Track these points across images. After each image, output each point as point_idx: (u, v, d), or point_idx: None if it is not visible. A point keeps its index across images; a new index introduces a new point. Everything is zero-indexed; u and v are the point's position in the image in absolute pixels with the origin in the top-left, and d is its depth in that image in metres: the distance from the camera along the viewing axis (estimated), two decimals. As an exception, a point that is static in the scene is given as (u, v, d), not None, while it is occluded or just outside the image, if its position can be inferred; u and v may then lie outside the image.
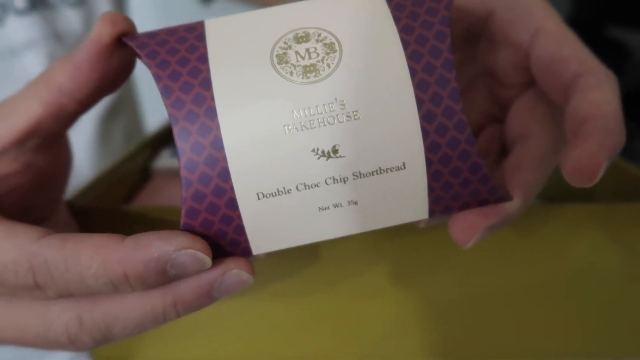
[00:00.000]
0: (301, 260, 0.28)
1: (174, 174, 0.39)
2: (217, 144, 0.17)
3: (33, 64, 0.46)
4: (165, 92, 0.18)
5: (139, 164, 0.38)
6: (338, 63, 0.18)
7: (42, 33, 0.46)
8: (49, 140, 0.22)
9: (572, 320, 0.29)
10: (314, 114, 0.17)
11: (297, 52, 0.18)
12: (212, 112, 0.17)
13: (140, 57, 0.19)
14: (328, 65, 0.18)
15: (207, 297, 0.19)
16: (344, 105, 0.17)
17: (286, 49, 0.18)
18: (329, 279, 0.28)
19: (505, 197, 0.20)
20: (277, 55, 0.18)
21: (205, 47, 0.18)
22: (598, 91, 0.18)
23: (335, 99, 0.17)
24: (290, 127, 0.17)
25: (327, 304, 0.28)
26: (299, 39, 0.18)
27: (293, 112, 0.17)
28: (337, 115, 0.17)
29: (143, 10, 0.61)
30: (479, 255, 0.28)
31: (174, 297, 0.18)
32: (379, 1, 0.19)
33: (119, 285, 0.18)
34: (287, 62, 0.18)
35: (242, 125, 0.17)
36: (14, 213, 0.21)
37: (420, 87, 0.17)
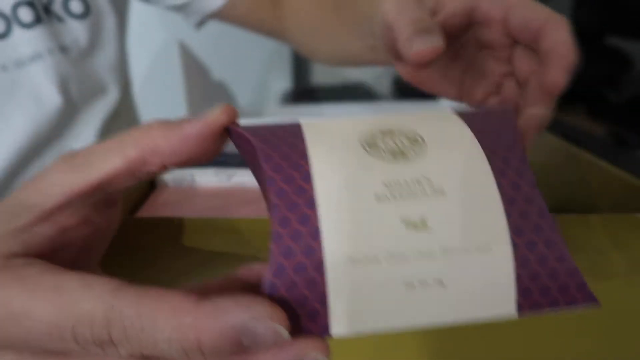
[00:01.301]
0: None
1: (178, 184, 0.39)
2: (310, 203, 0.18)
3: (39, 75, 0.46)
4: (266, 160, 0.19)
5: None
6: (423, 151, 0.20)
7: (47, 45, 0.47)
8: (110, 197, 0.22)
9: (572, 326, 0.29)
10: (404, 187, 0.19)
11: (384, 142, 0.20)
12: (307, 176, 0.19)
13: (242, 145, 0.21)
14: (415, 152, 0.20)
15: None
16: (431, 182, 0.19)
17: (375, 139, 0.20)
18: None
19: (593, 301, 0.20)
20: (367, 143, 0.20)
21: (305, 147, 0.20)
22: (557, 32, 0.26)
23: (423, 176, 0.19)
24: (381, 196, 0.18)
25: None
26: (385, 133, 0.20)
27: (384, 183, 0.18)
28: (425, 190, 0.19)
29: (143, 21, 0.62)
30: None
31: None
32: (452, 115, 0.22)
33: (191, 353, 0.17)
34: (376, 147, 0.20)
35: (334, 188, 0.18)
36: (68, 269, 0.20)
37: (499, 173, 0.19)
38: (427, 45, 0.25)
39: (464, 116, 0.21)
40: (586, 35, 0.83)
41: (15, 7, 0.45)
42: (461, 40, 0.30)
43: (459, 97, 0.31)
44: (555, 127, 0.70)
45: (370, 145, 0.20)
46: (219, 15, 0.56)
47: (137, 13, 0.63)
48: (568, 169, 0.40)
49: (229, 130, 0.21)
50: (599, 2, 0.80)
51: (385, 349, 0.29)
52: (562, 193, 0.41)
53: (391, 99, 1.03)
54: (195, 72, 0.54)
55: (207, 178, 0.39)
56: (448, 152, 0.20)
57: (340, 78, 1.15)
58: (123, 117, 0.57)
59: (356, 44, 0.40)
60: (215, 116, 0.20)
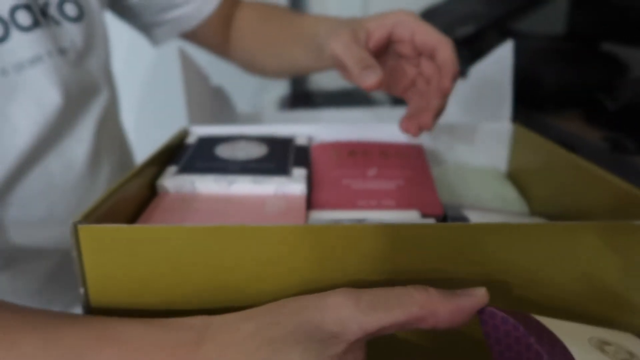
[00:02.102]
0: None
1: (178, 190, 0.39)
2: None
3: (39, 78, 0.46)
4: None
5: (146, 180, 0.39)
6: None
7: (47, 48, 0.47)
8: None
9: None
10: None
11: (609, 350, 0.23)
12: None
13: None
14: None
15: None
16: None
17: (602, 346, 0.23)
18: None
19: None
20: (600, 349, 0.23)
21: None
22: (444, 52, 0.40)
23: None
24: None
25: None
26: (604, 343, 0.24)
27: None
28: None
29: (118, 26, 0.63)
30: (485, 265, 0.28)
31: None
32: (634, 337, 0.26)
33: None
34: (608, 354, 0.23)
35: None
36: None
37: None
38: (373, 78, 0.38)
39: None
40: (582, 41, 0.83)
41: (13, 11, 0.45)
42: (388, 52, 0.45)
43: (387, 89, 0.45)
44: (552, 132, 0.70)
45: (602, 351, 0.23)
46: (185, 35, 0.62)
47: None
48: (564, 175, 0.40)
49: (481, 309, 0.25)
50: (595, 8, 0.80)
51: None
52: (559, 199, 0.41)
53: (387, 104, 1.04)
54: (194, 77, 0.54)
55: (208, 184, 0.39)
56: None
57: (337, 83, 1.16)
58: (112, 116, 0.58)
59: (304, 56, 0.51)
60: (484, 296, 0.25)
